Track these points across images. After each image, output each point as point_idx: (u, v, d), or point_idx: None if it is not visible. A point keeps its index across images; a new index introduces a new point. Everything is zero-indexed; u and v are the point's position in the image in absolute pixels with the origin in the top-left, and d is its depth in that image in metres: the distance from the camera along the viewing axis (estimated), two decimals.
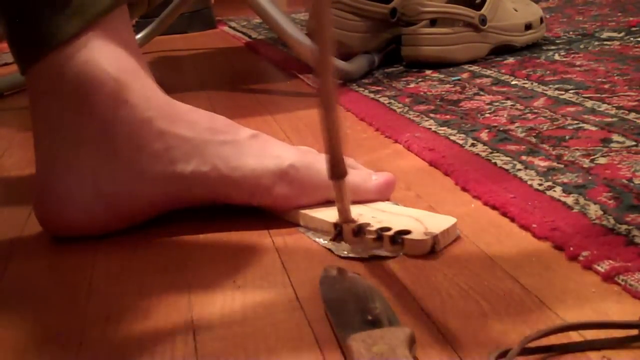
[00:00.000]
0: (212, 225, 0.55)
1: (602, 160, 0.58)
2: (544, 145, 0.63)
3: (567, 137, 0.65)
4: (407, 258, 0.47)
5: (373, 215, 0.51)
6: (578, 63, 0.94)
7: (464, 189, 0.57)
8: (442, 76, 0.97)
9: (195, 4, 1.78)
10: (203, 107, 0.57)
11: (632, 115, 0.69)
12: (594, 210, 0.49)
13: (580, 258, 0.43)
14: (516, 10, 1.08)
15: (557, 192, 0.53)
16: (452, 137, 0.69)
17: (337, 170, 0.48)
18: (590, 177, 0.55)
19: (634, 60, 0.92)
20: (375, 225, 0.49)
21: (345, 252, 0.48)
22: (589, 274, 0.42)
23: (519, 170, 0.58)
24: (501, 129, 0.70)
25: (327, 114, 0.46)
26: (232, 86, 1.13)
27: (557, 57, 1.00)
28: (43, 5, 0.52)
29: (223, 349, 0.39)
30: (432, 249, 0.47)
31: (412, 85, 0.93)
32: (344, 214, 0.50)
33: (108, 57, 0.53)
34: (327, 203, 0.53)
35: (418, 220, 0.49)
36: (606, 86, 0.81)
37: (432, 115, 0.78)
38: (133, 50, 0.55)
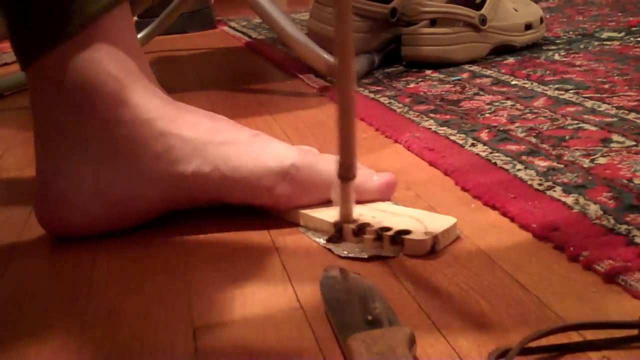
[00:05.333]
0: (212, 225, 0.55)
1: (602, 160, 0.58)
2: (544, 145, 0.63)
3: (567, 137, 0.65)
4: (407, 258, 0.47)
5: (373, 215, 0.51)
6: (578, 63, 0.94)
7: (464, 189, 0.57)
8: (442, 76, 0.97)
9: (195, 4, 1.78)
10: (203, 107, 0.57)
11: (632, 115, 0.69)
12: (594, 210, 0.49)
13: (580, 258, 0.43)
14: (516, 10, 1.08)
15: (557, 192, 0.53)
16: (452, 137, 0.69)
17: (347, 172, 0.48)
18: (590, 177, 0.55)
19: (634, 60, 0.92)
20: (375, 225, 0.49)
21: (345, 252, 0.48)
22: (589, 274, 0.42)
23: (519, 170, 0.58)
24: (501, 129, 0.70)
25: (345, 117, 0.46)
26: (232, 86, 1.13)
27: (557, 57, 1.00)
28: (46, 1, 0.52)
29: (223, 349, 0.39)
30: (432, 249, 0.47)
31: (412, 85, 0.93)
32: (346, 214, 0.50)
33: (110, 56, 0.53)
34: (328, 203, 0.53)
35: (418, 220, 0.49)
36: (606, 86, 0.81)
37: (432, 115, 0.78)
38: (135, 50, 0.55)
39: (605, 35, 1.12)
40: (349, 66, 0.45)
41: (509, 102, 0.79)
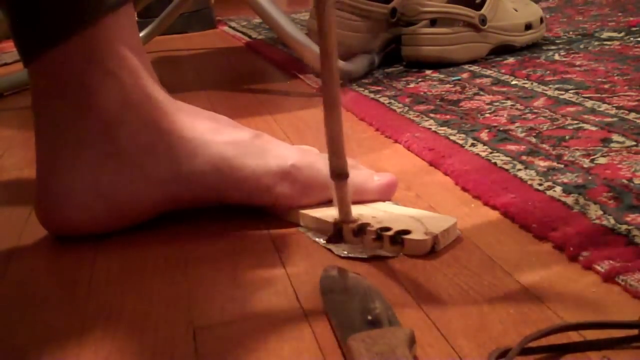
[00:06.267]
0: (212, 225, 0.55)
1: (602, 160, 0.58)
2: (544, 145, 0.63)
3: (567, 137, 0.65)
4: (407, 258, 0.47)
5: (373, 215, 0.51)
6: (578, 63, 0.94)
7: (464, 189, 0.57)
8: (442, 76, 0.97)
9: (195, 4, 1.78)
10: (203, 107, 0.57)
11: (632, 115, 0.69)
12: (594, 210, 0.49)
13: (580, 258, 0.43)
14: (516, 10, 1.08)
15: (557, 192, 0.53)
16: (452, 137, 0.69)
17: (339, 172, 0.48)
18: (590, 177, 0.55)
19: (634, 60, 0.92)
20: (375, 225, 0.49)
21: (345, 252, 0.48)
22: (589, 274, 0.42)
23: (519, 170, 0.58)
24: (501, 129, 0.70)
25: (331, 114, 0.46)
26: (232, 86, 1.13)
27: (557, 57, 1.00)
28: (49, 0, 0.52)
29: (223, 349, 0.39)
30: (432, 249, 0.47)
31: (412, 85, 0.93)
32: (345, 214, 0.50)
33: (112, 56, 0.53)
34: (328, 203, 0.53)
35: (418, 220, 0.49)
36: (606, 86, 0.81)
37: (432, 115, 0.78)
38: (137, 50, 0.55)
39: (605, 35, 1.12)
40: (331, 63, 0.45)
41: (509, 102, 0.79)
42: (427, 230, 0.48)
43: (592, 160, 0.58)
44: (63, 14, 0.52)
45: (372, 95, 0.90)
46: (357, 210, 0.51)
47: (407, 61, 1.06)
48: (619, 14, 1.31)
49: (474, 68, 1.00)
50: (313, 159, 0.55)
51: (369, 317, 0.38)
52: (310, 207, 0.54)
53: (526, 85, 0.86)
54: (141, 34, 1.36)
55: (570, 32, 1.18)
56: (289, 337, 0.39)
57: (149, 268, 0.50)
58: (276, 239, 0.52)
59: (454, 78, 0.95)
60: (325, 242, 0.50)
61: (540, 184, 0.55)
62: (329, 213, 0.51)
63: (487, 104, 0.80)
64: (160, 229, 0.55)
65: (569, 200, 0.51)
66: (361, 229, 0.49)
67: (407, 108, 0.82)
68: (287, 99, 0.99)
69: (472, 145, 0.66)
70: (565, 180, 0.55)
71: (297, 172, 0.53)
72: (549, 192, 0.53)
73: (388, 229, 0.49)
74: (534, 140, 0.65)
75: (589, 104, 0.75)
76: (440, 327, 0.38)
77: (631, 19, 1.23)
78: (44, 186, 0.55)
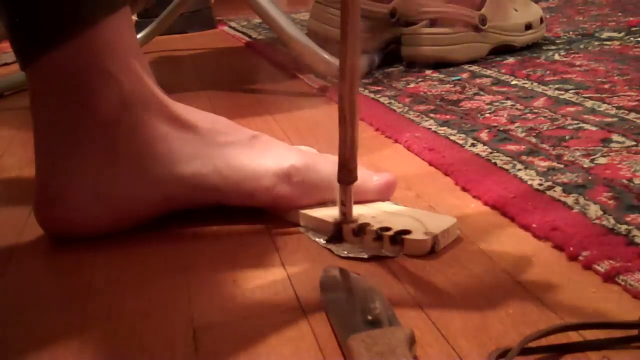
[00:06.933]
0: (212, 225, 0.55)
1: (602, 160, 0.58)
2: (544, 145, 0.63)
3: (567, 137, 0.65)
4: (407, 258, 0.47)
5: (373, 215, 0.51)
6: (578, 63, 0.94)
7: (464, 189, 0.57)
8: (442, 76, 0.97)
9: (195, 4, 1.78)
10: (203, 107, 0.57)
11: (632, 115, 0.69)
12: (594, 210, 0.49)
13: (580, 258, 0.43)
14: (516, 10, 1.08)
15: (557, 192, 0.53)
16: (452, 137, 0.69)
17: (348, 176, 0.48)
18: (590, 177, 0.55)
19: (634, 60, 0.92)
20: (375, 225, 0.49)
21: (345, 252, 0.48)
22: (589, 274, 0.42)
23: (519, 170, 0.58)
24: (501, 129, 0.70)
25: (347, 121, 0.46)
26: (232, 86, 1.13)
27: (557, 57, 1.00)
28: (47, 2, 0.52)
29: (223, 349, 0.39)
30: (432, 249, 0.47)
31: (412, 85, 0.93)
32: (345, 214, 0.50)
33: (110, 58, 0.53)
34: (328, 203, 0.53)
35: (418, 220, 0.49)
36: (606, 86, 0.81)
37: (432, 115, 0.78)
38: (135, 51, 0.55)
39: (605, 35, 1.12)
40: (353, 69, 0.45)
41: (509, 102, 0.79)
42: (427, 230, 0.48)
43: (592, 160, 0.58)
44: (61, 17, 0.52)
45: (372, 95, 0.90)
46: (357, 210, 0.51)
47: (407, 61, 1.06)
48: (619, 14, 1.31)
49: (474, 68, 1.00)
50: (312, 160, 0.55)
51: (369, 317, 0.38)
52: (310, 207, 0.54)
53: (526, 85, 0.86)
54: (141, 34, 1.36)
55: (570, 32, 1.18)
56: (289, 337, 0.39)
57: (149, 268, 0.50)
58: (276, 239, 0.52)
59: (454, 78, 0.95)
60: (325, 242, 0.50)
61: (540, 184, 0.55)
62: (329, 213, 0.51)
63: (487, 104, 0.80)
64: (160, 230, 0.55)
65: (569, 200, 0.51)
66: (361, 229, 0.49)
67: (407, 108, 0.82)
68: (287, 99, 0.99)
69: (472, 145, 0.66)
70: (565, 180, 0.55)
71: (297, 172, 0.53)
72: (549, 192, 0.53)
73: (388, 229, 0.49)
74: (534, 140, 0.65)
75: (589, 104, 0.75)
76: (440, 327, 0.38)
77: (631, 19, 1.23)
78: (43, 187, 0.55)
